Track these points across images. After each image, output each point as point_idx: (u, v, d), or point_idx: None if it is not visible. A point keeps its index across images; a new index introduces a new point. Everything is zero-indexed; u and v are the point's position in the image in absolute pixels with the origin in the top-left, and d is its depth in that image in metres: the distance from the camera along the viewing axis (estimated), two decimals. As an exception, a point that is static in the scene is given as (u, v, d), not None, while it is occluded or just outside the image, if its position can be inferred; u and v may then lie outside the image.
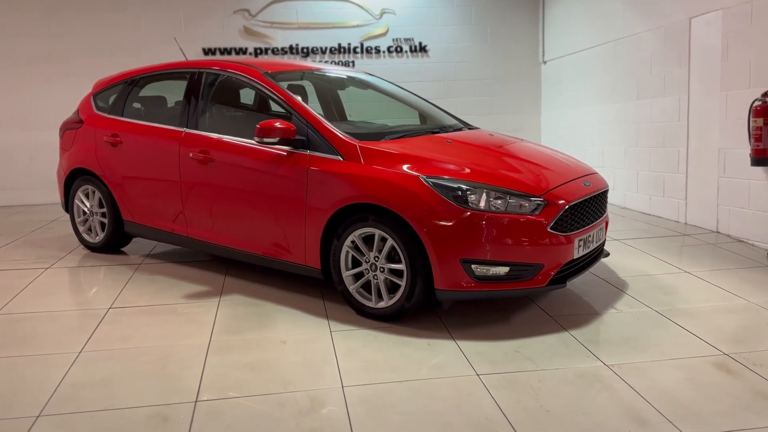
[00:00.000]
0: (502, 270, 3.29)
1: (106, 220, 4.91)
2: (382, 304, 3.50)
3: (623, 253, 4.91)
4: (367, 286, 3.59)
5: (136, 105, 4.86)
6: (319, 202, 3.59)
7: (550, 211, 3.33)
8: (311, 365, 2.99)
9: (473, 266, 3.27)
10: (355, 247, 3.57)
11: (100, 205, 4.95)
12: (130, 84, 4.87)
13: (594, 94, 7.49)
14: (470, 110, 8.66)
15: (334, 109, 5.18)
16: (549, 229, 3.31)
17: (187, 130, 4.30)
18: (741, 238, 5.23)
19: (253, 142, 3.85)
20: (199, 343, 3.27)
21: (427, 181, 3.30)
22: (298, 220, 3.70)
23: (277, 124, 3.65)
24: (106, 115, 4.92)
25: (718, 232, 5.50)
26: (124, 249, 5.21)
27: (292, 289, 4.10)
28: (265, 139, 3.63)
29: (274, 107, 4.28)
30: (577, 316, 3.59)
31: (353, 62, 8.43)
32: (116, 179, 4.73)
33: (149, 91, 4.88)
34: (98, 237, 5.02)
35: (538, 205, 3.32)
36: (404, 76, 8.45)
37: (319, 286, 4.11)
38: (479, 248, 3.23)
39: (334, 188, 3.53)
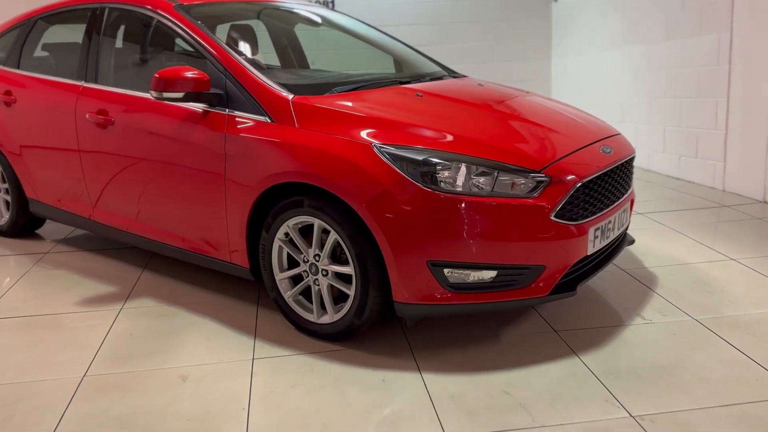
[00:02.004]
0: (487, 275, 2.35)
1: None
2: (325, 319, 2.58)
3: (649, 233, 3.93)
4: (308, 293, 2.67)
5: (36, 54, 3.87)
6: (242, 179, 2.63)
7: (556, 191, 2.36)
8: (209, 421, 2.09)
9: (446, 270, 2.32)
10: (290, 242, 2.63)
11: (3, 180, 4.03)
12: (25, 29, 3.87)
13: (614, 35, 6.37)
14: (468, 58, 7.56)
15: (292, 55, 4.17)
16: (553, 218, 2.34)
17: (85, 84, 3.33)
18: (795, 211, 4.23)
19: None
20: (69, 379, 2.37)
21: (381, 152, 2.33)
22: (217, 203, 2.76)
23: (186, 73, 2.66)
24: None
25: (765, 202, 4.49)
26: (39, 231, 4.30)
27: (222, 289, 3.18)
28: (166, 94, 2.65)
29: (192, 51, 3.27)
30: (590, 330, 2.65)
31: (332, 1, 7.32)
32: (14, 147, 3.79)
33: (51, 36, 3.89)
34: (3, 218, 4.10)
35: (539, 182, 2.35)
36: (392, 18, 7.34)
37: (257, 287, 3.18)
38: (454, 245, 2.28)
39: (258, 161, 2.57)
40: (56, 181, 3.58)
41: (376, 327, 2.64)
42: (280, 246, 2.64)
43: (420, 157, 2.30)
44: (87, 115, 3.22)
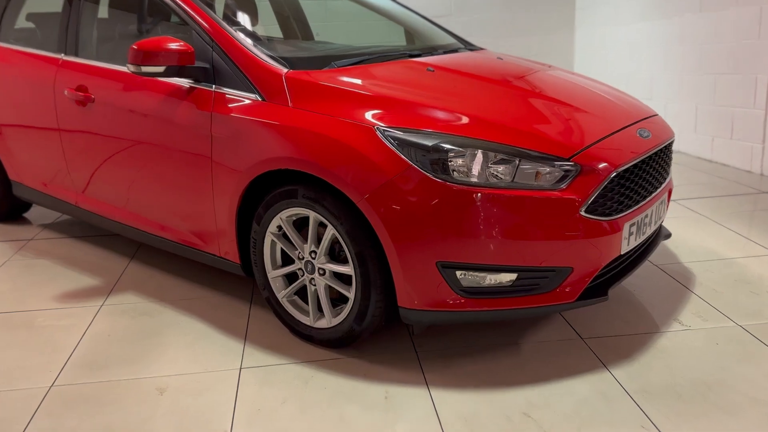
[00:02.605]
0: (506, 278, 2.05)
1: (-6, 180, 3.73)
2: (322, 323, 2.30)
3: (682, 222, 3.60)
4: (305, 293, 2.39)
5: (19, 23, 3.57)
6: (230, 164, 2.34)
7: (587, 182, 2.04)
8: (185, 445, 1.83)
9: (459, 273, 2.03)
10: (284, 236, 2.34)
11: (-15, 160, 3.76)
12: (6, -6, 3.57)
13: (642, 6, 5.95)
14: (485, 30, 7.15)
15: (295, 27, 3.85)
16: (583, 213, 2.03)
17: (65, 58, 3.03)
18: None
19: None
20: (34, 390, 2.12)
21: (386, 136, 2.02)
22: (204, 191, 2.47)
23: (167, 45, 2.35)
24: (-19, 38, 3.66)
25: (809, 189, 4.12)
26: (26, 215, 4.05)
27: (214, 285, 2.90)
28: (145, 68, 2.35)
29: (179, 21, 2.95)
30: (621, 338, 2.34)
31: (343, -28, 6.93)
32: (-5, 126, 3.51)
33: (35, 5, 3.58)
34: (-13, 201, 3.85)
35: (567, 172, 2.03)
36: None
37: (252, 283, 2.91)
38: (468, 244, 1.98)
39: (247, 145, 2.27)
40: (38, 163, 3.30)
41: (380, 331, 2.35)
42: (272, 240, 2.35)
43: (430, 143, 1.99)
44: (66, 92, 2.93)
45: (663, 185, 2.47)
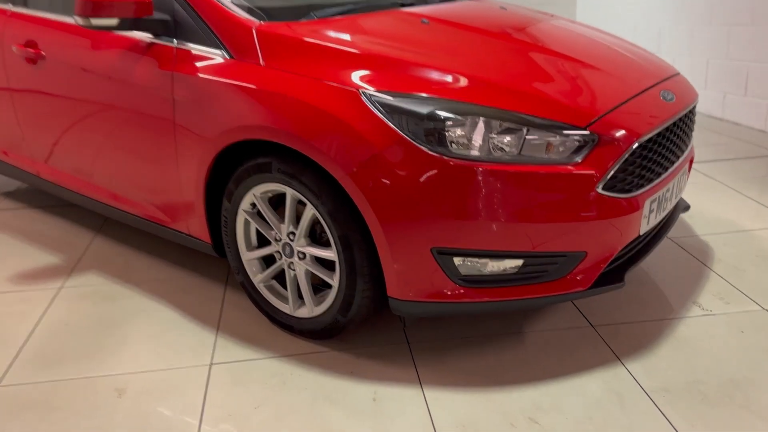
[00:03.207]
0: (510, 265, 1.79)
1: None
2: (303, 312, 2.05)
3: (695, 188, 3.33)
4: (284, 277, 2.13)
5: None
6: (196, 131, 2.04)
7: (605, 154, 1.77)
8: (143, 462, 1.60)
9: (457, 259, 1.77)
10: (258, 214, 2.07)
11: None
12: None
13: (650, -48, 5.56)
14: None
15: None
16: (601, 190, 1.76)
17: (13, 9, 2.69)
18: None
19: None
20: (-23, 392, 1.88)
21: (373, 102, 1.73)
22: (168, 161, 2.18)
23: (120, -7, 2.03)
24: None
25: (830, 151, 3.85)
26: (-12, 182, 3.75)
27: (187, 264, 2.64)
28: (95, 21, 2.02)
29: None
30: (636, 325, 2.11)
31: None
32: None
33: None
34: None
35: (584, 143, 1.76)
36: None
37: (227, 263, 2.64)
38: (468, 227, 1.72)
39: (213, 111, 1.98)
40: (-8, 127, 2.99)
41: (369, 320, 2.11)
42: (245, 219, 2.08)
43: (424, 110, 1.70)
44: (14, 48, 2.59)
45: (685, 154, 2.19)
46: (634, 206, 1.85)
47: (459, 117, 1.70)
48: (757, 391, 1.79)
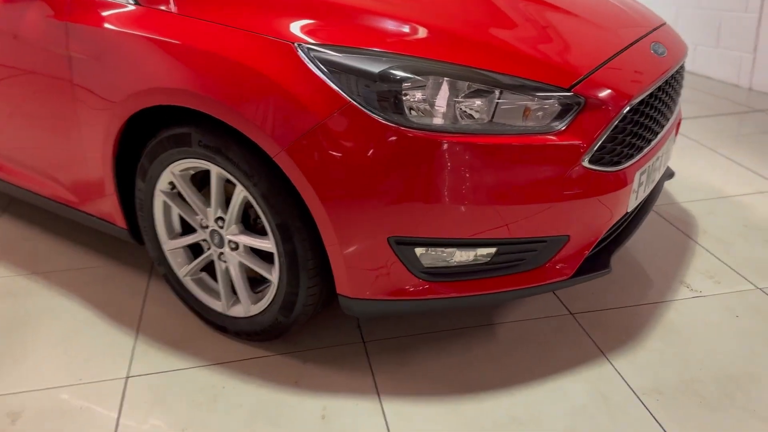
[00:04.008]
0: (481, 254, 1.51)
1: None
2: (238, 311, 1.73)
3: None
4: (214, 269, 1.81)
5: None
6: (99, 91, 1.67)
7: (592, 120, 1.48)
8: None
9: (419, 250, 1.47)
10: (179, 196, 1.73)
11: None
12: None
13: None
14: None
15: None
16: (587, 163, 1.48)
17: None
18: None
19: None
20: None
21: (312, 58, 1.39)
22: (67, 129, 1.81)
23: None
24: None
25: (805, 106, 3.67)
26: None
27: (106, 249, 2.28)
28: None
29: None
30: (619, 312, 1.87)
31: None
32: None
33: None
34: None
35: (567, 107, 1.46)
36: None
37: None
38: (431, 212, 1.42)
39: (117, 69, 1.61)
40: None
41: (318, 315, 1.81)
42: (164, 202, 1.73)
43: (376, 69, 1.37)
44: None
45: (674, 116, 1.93)
46: (623, 180, 1.58)
47: (419, 77, 1.37)
48: (758, 388, 1.57)
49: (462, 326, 1.81)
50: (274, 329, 1.67)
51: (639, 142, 1.63)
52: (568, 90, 1.45)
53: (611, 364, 1.66)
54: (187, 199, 1.68)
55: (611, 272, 1.66)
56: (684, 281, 2.01)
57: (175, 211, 1.76)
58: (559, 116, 1.45)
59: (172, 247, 1.78)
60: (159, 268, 1.85)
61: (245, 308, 1.70)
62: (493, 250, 1.51)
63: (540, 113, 1.44)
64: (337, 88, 1.37)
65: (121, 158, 1.76)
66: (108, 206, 1.87)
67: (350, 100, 1.36)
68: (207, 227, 1.68)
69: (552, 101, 1.44)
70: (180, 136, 1.58)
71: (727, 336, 1.76)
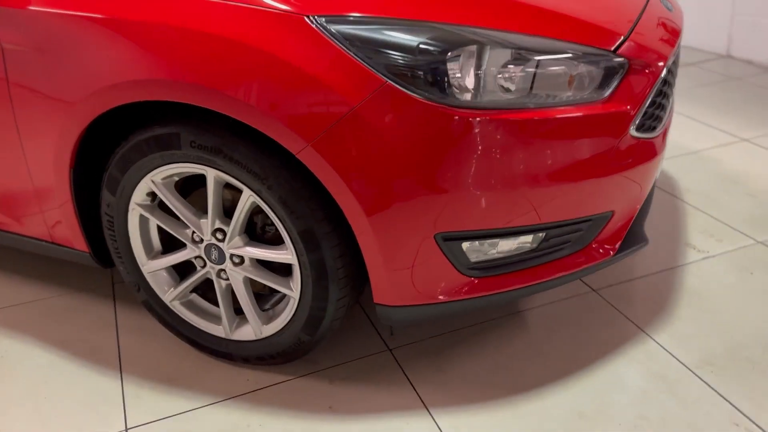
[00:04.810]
0: (527, 241, 1.36)
1: None
2: (245, 334, 1.49)
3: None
4: (207, 287, 1.55)
5: None
6: (48, 92, 1.35)
7: (635, 84, 1.36)
8: None
9: (465, 244, 1.30)
10: (161, 207, 1.45)
11: None
12: None
13: None
14: None
15: None
16: (633, 132, 1.36)
17: None
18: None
19: None
20: None
21: (332, 33, 1.16)
22: (3, 137, 1.47)
23: None
24: None
25: (730, 56, 3.79)
26: None
27: (53, 276, 1.93)
28: None
29: None
30: (638, 282, 1.80)
31: None
32: None
33: None
34: None
35: (612, 71, 1.33)
36: None
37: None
38: (482, 201, 1.25)
39: (73, 62, 1.29)
40: None
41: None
42: (141, 216, 1.45)
43: (414, 41, 1.17)
44: None
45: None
46: (658, 147, 1.48)
47: (464, 47, 1.19)
48: (799, 346, 1.55)
49: (485, 319, 1.67)
50: (295, 350, 1.45)
51: (665, 104, 1.54)
52: (613, 52, 1.32)
53: (654, 340, 1.58)
54: (175, 210, 1.40)
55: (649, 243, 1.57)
56: (689, 243, 1.97)
57: (153, 226, 1.48)
58: (604, 82, 1.32)
59: (154, 268, 1.50)
60: (137, 294, 1.56)
61: (255, 330, 1.46)
62: (541, 235, 1.36)
63: (586, 80, 1.30)
64: (369, 67, 1.15)
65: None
66: (64, 228, 1.55)
67: (385, 80, 1.15)
68: (201, 242, 1.42)
69: (597, 65, 1.30)
70: (164, 137, 1.30)
71: (751, 295, 1.73)
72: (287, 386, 1.47)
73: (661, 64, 1.40)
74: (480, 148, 1.19)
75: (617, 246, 1.48)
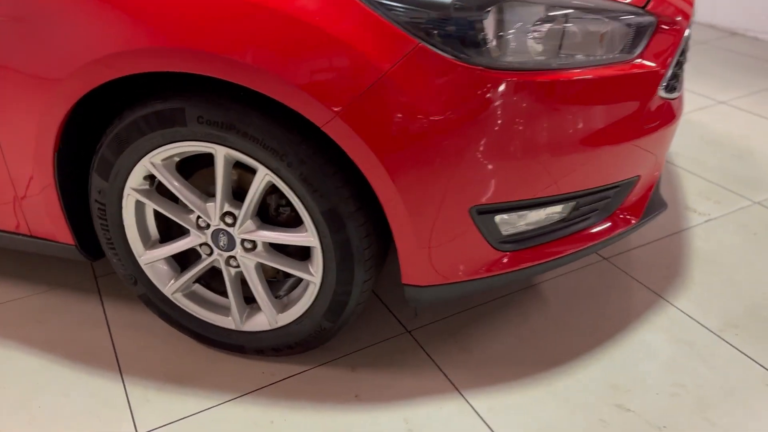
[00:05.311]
0: (556, 210, 1.30)
1: None
2: (258, 323, 1.39)
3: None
4: (211, 276, 1.44)
5: None
6: (27, 69, 1.19)
7: (664, 42, 1.30)
8: None
9: (498, 217, 1.23)
10: (159, 190, 1.33)
11: None
12: None
13: None
14: None
15: None
16: (662, 92, 1.31)
17: None
18: (735, 30, 3.62)
19: None
20: None
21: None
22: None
23: None
24: None
25: (712, 26, 3.82)
26: None
27: (23, 272, 1.77)
28: None
29: None
30: (646, 248, 1.77)
31: None
32: None
33: None
34: None
35: (643, 28, 1.27)
36: None
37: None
38: (520, 171, 1.18)
39: (63, 33, 1.14)
40: None
41: (340, 310, 1.51)
42: (137, 202, 1.32)
43: (447, -2, 1.08)
44: None
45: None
46: (678, 108, 1.44)
47: (494, 3, 1.10)
48: (813, 304, 1.55)
49: (500, 295, 1.61)
50: (315, 338, 1.36)
51: (683, 61, 1.49)
52: (643, 8, 1.26)
53: (674, 305, 1.56)
54: (178, 194, 1.28)
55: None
56: (689, 207, 1.96)
57: (150, 213, 1.35)
58: (635, 40, 1.26)
59: (153, 258, 1.38)
60: (133, 288, 1.43)
61: (270, 319, 1.36)
62: (571, 204, 1.31)
63: (617, 38, 1.24)
64: (400, 28, 1.06)
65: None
66: (45, 219, 1.40)
67: (418, 41, 1.06)
68: (207, 227, 1.30)
69: (629, 23, 1.24)
70: (166, 113, 1.17)
71: (758, 255, 1.73)
72: (307, 377, 1.38)
73: (685, 21, 1.35)
74: (521, 112, 1.12)
75: (642, 212, 1.45)
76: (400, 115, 1.08)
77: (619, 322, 1.51)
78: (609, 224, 1.40)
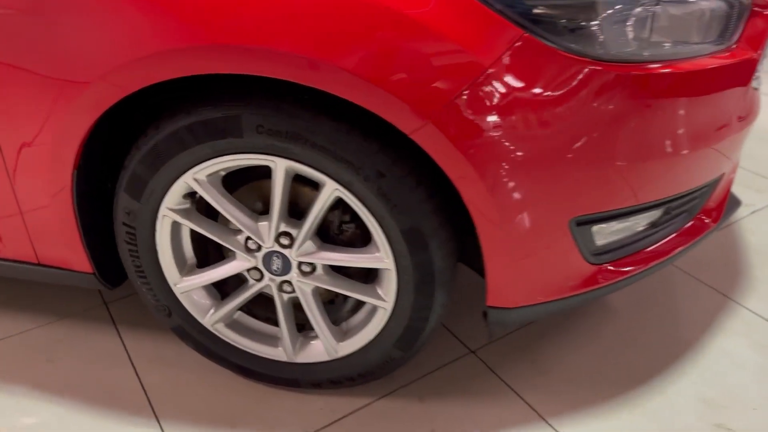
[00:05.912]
0: (648, 217, 1.18)
1: None
2: (313, 354, 1.23)
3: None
4: (256, 303, 1.27)
5: None
6: (44, 72, 1.00)
7: (757, 27, 1.19)
8: None
9: (595, 228, 1.10)
10: (198, 209, 1.15)
11: None
12: None
13: None
14: None
15: None
16: (754, 84, 1.21)
17: None
18: None
19: None
20: None
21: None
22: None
23: None
24: None
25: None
26: None
27: (32, 303, 1.56)
28: None
29: None
30: (705, 244, 1.68)
31: None
32: None
33: None
34: None
35: (738, 14, 1.15)
36: None
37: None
38: (629, 177, 1.04)
39: (92, 29, 0.95)
40: None
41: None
42: (173, 223, 1.14)
43: (552, -19, 0.93)
44: None
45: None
46: (759, 99, 1.33)
47: (603, -11, 0.96)
48: None
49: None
50: (381, 369, 1.21)
51: (758, 49, 1.39)
52: (738, -11, 1.14)
53: (745, 307, 1.47)
54: (225, 213, 1.10)
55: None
56: (732, 197, 1.87)
57: (186, 234, 1.18)
58: (729, 27, 1.14)
59: (190, 286, 1.20)
60: (166, 320, 1.25)
61: (329, 349, 1.20)
62: (659, 212, 1.19)
63: (712, 26, 1.12)
64: (503, 16, 0.90)
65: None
66: (60, 245, 1.20)
67: (523, 30, 0.91)
68: (258, 249, 1.13)
69: (724, 9, 1.12)
70: (217, 122, 0.99)
71: (816, 248, 1.66)
72: (371, 411, 1.23)
73: (771, 3, 1.24)
74: (636, 110, 0.98)
75: (722, 212, 1.34)
76: (500, 118, 0.93)
77: (692, 330, 1.41)
78: (694, 227, 1.29)
